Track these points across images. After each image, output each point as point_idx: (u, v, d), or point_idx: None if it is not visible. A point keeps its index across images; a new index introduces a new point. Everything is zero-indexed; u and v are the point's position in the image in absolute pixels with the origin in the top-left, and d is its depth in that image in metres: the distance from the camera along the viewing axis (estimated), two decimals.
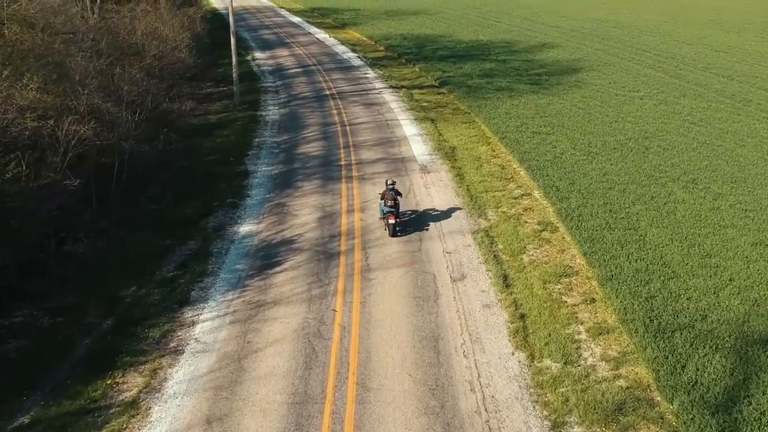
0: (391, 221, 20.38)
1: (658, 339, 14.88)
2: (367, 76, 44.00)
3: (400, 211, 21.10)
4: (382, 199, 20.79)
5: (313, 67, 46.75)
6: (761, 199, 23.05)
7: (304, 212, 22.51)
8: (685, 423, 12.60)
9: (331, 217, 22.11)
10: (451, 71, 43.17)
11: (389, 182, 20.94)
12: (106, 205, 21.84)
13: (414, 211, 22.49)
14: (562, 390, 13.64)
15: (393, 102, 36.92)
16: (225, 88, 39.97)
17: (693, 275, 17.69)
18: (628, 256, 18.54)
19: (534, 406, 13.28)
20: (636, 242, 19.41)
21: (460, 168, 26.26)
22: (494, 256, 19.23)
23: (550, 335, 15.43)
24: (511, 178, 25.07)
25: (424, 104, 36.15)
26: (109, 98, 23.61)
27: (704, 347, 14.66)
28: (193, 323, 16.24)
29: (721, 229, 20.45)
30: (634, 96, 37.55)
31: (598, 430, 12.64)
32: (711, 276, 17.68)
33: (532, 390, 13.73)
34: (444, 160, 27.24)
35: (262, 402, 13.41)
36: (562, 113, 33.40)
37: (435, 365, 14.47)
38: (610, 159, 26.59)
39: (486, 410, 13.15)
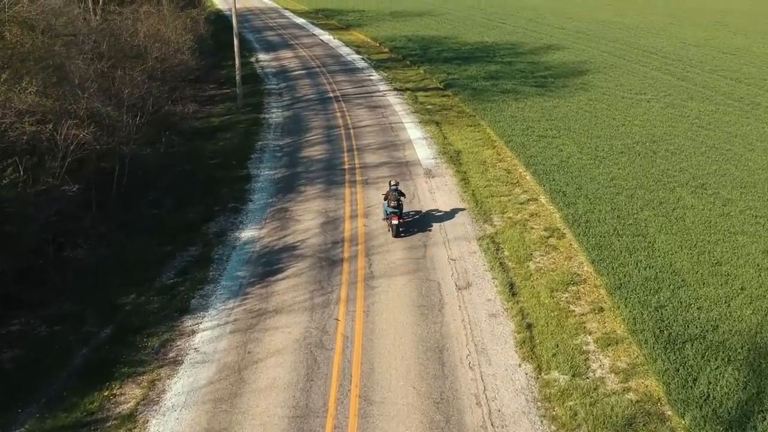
0: (395, 222, 20.23)
1: (668, 350, 14.49)
2: (372, 78, 43.71)
3: (404, 211, 20.90)
4: (385, 199, 20.64)
5: (317, 69, 46.48)
6: None
7: (307, 217, 22.20)
8: None
9: (335, 222, 21.79)
10: (456, 73, 42.80)
11: (392, 183, 20.85)
12: (106, 210, 21.56)
13: (418, 212, 22.21)
14: (571, 403, 13.26)
15: (397, 104, 36.61)
16: (228, 91, 39.72)
17: (703, 284, 17.29)
18: (637, 264, 18.15)
19: (542, 421, 12.89)
20: (645, 249, 19.00)
21: (465, 172, 25.92)
22: (500, 263, 18.87)
23: (557, 346, 15.06)
24: (517, 182, 24.71)
25: (428, 107, 35.81)
26: (109, 102, 23.34)
27: (716, 359, 14.27)
28: (193, 332, 15.92)
29: (731, 236, 20.04)
30: (641, 99, 37.10)
31: None
32: (722, 285, 17.27)
33: (539, 403, 13.35)
34: (449, 164, 26.90)
35: (262, 415, 13.08)
36: (568, 116, 33.00)
37: (440, 377, 14.11)
38: (617, 163, 26.18)
39: (492, 425, 12.77)
